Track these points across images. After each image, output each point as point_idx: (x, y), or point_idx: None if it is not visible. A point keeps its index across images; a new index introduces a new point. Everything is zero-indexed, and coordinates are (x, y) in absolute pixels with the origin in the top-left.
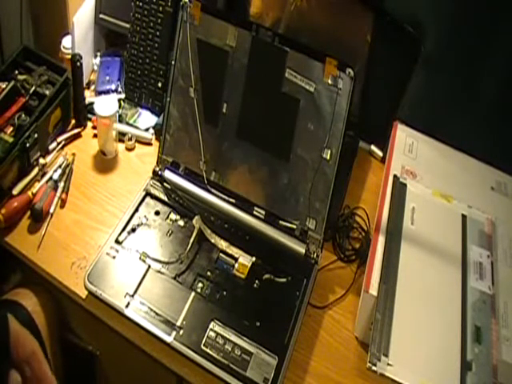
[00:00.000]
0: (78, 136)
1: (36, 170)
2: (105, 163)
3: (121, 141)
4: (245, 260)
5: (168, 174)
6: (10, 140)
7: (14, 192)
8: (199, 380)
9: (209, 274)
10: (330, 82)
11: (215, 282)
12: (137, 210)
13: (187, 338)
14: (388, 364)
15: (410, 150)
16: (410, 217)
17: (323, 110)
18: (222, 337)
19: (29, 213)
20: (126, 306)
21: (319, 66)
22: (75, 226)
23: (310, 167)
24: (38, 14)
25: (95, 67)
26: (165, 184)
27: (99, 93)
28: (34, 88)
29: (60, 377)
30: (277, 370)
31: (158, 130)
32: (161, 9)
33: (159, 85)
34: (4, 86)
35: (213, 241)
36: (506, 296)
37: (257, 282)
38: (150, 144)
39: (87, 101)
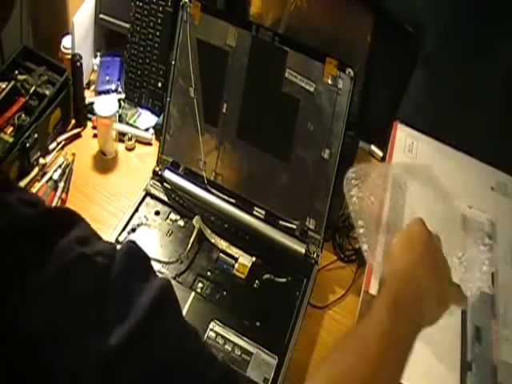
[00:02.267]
0: (78, 136)
1: (36, 169)
2: (105, 163)
3: (121, 141)
4: (245, 260)
5: (168, 174)
6: (10, 140)
7: None
8: None
9: (209, 274)
10: (329, 81)
11: (215, 282)
12: (137, 210)
13: None
14: None
15: (410, 149)
16: (410, 217)
17: (323, 110)
18: (222, 337)
19: None
20: None
21: (319, 66)
22: None
23: (310, 167)
24: (38, 14)
25: (95, 67)
26: (165, 184)
27: (99, 93)
28: (33, 88)
29: None
30: (277, 370)
31: (158, 130)
32: (161, 9)
33: (159, 85)
34: (4, 85)
35: (213, 241)
36: (506, 296)
37: (257, 282)
38: (150, 144)
39: (87, 101)
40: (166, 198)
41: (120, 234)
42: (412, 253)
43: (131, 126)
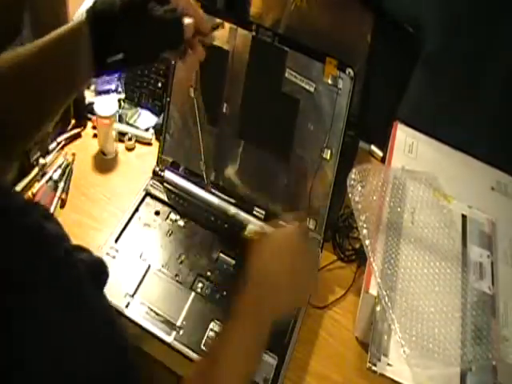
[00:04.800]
0: (77, 136)
1: (36, 170)
2: (105, 163)
3: (121, 141)
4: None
5: (168, 174)
6: None
7: None
8: None
9: (209, 273)
10: (330, 81)
11: (215, 282)
12: (137, 209)
13: (187, 337)
14: (388, 364)
15: (410, 150)
16: (410, 217)
17: (323, 110)
18: None
19: None
20: (126, 306)
21: (319, 66)
22: (75, 226)
23: (310, 167)
24: (38, 13)
25: None
26: (165, 184)
27: (99, 93)
28: None
29: None
30: (277, 369)
31: (158, 130)
32: None
33: (159, 85)
34: None
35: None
36: (506, 296)
37: None
38: (150, 144)
39: (87, 101)
40: (166, 198)
41: (120, 234)
42: (279, 262)
43: (131, 126)
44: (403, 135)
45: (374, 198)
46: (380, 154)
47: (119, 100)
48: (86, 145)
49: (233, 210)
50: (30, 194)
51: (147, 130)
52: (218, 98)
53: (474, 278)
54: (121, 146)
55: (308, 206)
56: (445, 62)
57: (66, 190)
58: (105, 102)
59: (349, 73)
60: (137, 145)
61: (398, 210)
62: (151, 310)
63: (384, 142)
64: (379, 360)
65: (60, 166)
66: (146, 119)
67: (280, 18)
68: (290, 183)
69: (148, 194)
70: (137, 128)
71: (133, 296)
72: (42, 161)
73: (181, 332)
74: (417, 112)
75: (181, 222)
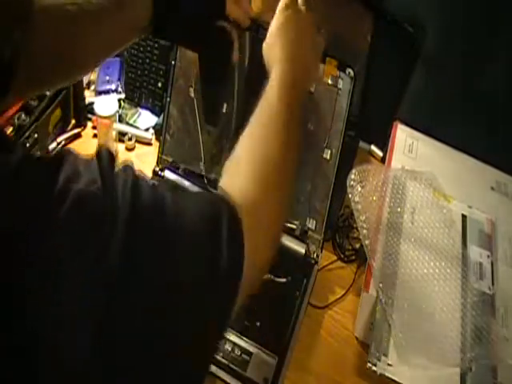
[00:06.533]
0: (78, 136)
1: None
2: None
3: (121, 141)
4: None
5: (168, 174)
6: None
7: None
8: None
9: None
10: (330, 81)
11: None
12: None
13: None
14: (388, 364)
15: (410, 149)
16: (410, 217)
17: (323, 110)
18: None
19: None
20: None
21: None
22: None
23: (310, 167)
24: None
25: None
26: None
27: (99, 93)
28: None
29: None
30: (277, 370)
31: (158, 130)
32: None
33: (159, 85)
34: None
35: None
36: (506, 296)
37: None
38: (149, 144)
39: (87, 101)
40: None
41: None
42: (289, 35)
43: (131, 126)
44: (403, 135)
45: (374, 198)
46: (380, 154)
47: (119, 100)
48: (86, 145)
49: None
50: None
51: (147, 130)
52: (217, 98)
53: (474, 278)
54: (121, 146)
55: (308, 205)
56: (445, 62)
57: None
58: (105, 101)
59: (349, 73)
60: (137, 145)
61: (398, 210)
62: None
63: (384, 142)
64: (379, 360)
65: None
66: (146, 119)
67: None
68: None
69: None
70: (137, 128)
71: None
72: None
73: None
74: (417, 112)
75: None
